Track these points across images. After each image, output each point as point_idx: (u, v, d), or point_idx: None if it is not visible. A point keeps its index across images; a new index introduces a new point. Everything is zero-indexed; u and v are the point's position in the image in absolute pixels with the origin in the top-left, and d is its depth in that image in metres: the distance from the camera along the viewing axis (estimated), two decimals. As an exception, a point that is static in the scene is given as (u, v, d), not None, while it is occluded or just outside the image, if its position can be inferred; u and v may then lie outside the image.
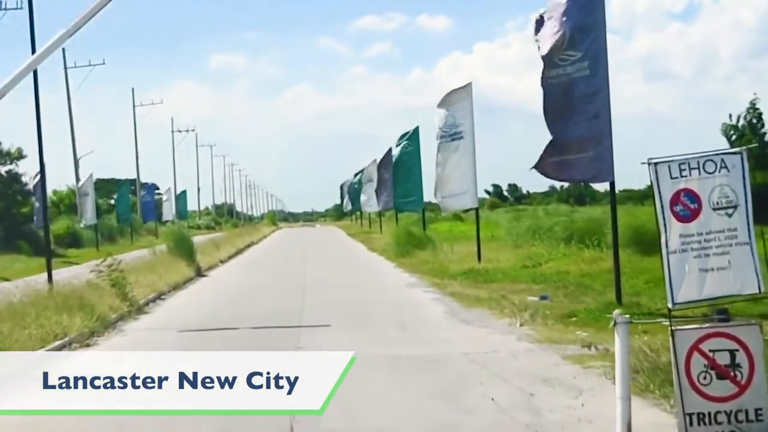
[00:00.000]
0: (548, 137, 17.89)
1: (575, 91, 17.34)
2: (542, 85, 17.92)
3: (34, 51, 22.11)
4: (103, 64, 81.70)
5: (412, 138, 43.38)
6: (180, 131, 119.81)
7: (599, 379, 11.48)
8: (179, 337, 17.11)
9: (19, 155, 56.24)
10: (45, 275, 31.59)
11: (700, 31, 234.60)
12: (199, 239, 49.79)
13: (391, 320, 18.19)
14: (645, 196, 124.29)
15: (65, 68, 75.69)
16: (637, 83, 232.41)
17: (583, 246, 30.37)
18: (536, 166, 17.97)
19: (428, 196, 44.77)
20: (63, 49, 75.43)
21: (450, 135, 30.21)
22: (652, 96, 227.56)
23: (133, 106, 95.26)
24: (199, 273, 33.29)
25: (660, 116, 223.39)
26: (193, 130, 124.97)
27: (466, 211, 74.46)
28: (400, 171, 44.74)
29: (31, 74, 22.09)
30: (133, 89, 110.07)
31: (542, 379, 11.57)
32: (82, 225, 62.00)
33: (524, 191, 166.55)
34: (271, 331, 17.22)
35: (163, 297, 25.02)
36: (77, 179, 70.70)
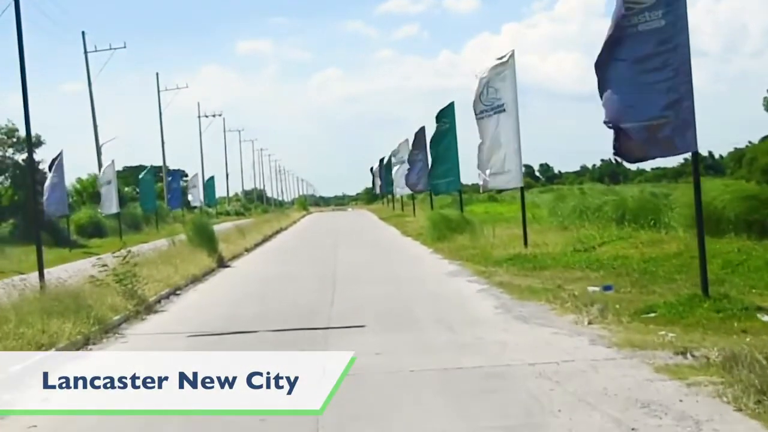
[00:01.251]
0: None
1: (648, 46, 14.56)
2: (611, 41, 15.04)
3: (20, 30, 19.70)
4: (124, 47, 79.57)
5: (447, 115, 40.61)
6: (207, 116, 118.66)
7: (714, 403, 8.84)
8: (188, 344, 14.63)
9: (38, 142, 54.07)
10: (60, 267, 29.49)
11: (728, 8, 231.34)
12: (224, 226, 47.76)
13: (434, 318, 15.64)
14: (679, 174, 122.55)
15: (85, 52, 73.49)
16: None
17: (638, 227, 27.78)
18: (617, 152, 15.05)
19: (463, 177, 42.39)
20: (83, 33, 73.70)
21: (491, 108, 27.56)
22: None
23: (158, 91, 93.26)
24: (222, 263, 30.84)
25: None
26: (220, 115, 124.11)
27: (500, 191, 71.72)
28: (435, 150, 42.06)
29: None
30: (157, 73, 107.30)
31: (640, 404, 8.94)
32: (104, 213, 59.88)
33: (556, 171, 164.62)
34: (294, 335, 14.70)
35: (178, 292, 22.59)
36: (99, 166, 68.63)
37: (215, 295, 22.36)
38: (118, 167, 62.63)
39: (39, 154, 54.22)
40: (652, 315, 14.05)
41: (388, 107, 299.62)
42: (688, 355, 10.93)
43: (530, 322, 14.72)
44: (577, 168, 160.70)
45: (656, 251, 22.08)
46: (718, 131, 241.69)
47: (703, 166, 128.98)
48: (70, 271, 23.19)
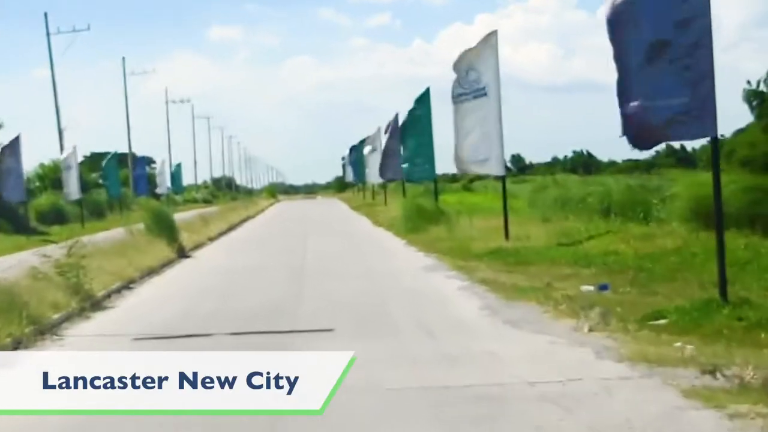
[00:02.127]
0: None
1: (664, 17, 12.74)
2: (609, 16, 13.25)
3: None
4: (88, 29, 76.55)
5: (422, 101, 38.76)
6: (175, 102, 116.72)
7: (770, 444, 7.15)
8: (132, 347, 12.80)
9: (-3, 125, 52.22)
10: (16, 256, 27.62)
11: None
12: (189, 214, 46.06)
13: (413, 321, 13.88)
14: (651, 166, 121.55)
15: (48, 34, 70.88)
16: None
17: (626, 220, 26.12)
18: (626, 133, 13.26)
19: (436, 166, 40.58)
20: (45, 15, 71.34)
21: (471, 92, 25.76)
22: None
23: (124, 75, 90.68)
24: (182, 254, 28.98)
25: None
26: (188, 101, 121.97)
27: (472, 180, 69.92)
28: (409, 138, 40.16)
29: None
30: (123, 57, 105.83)
31: (678, 444, 7.23)
32: (66, 200, 57.99)
33: (527, 162, 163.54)
34: (254, 340, 12.91)
35: (131, 286, 20.74)
36: (62, 151, 66.55)
37: (171, 289, 20.59)
38: (86, 153, 60.73)
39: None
40: (663, 322, 12.25)
41: (361, 95, 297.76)
42: (718, 375, 9.18)
43: (522, 327, 12.93)
44: (548, 159, 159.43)
45: (651, 247, 20.39)
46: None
47: (675, 159, 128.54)
48: (11, 262, 21.30)
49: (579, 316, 13.03)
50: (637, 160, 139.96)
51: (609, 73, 13.99)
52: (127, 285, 20.63)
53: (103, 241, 28.03)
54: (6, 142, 50.01)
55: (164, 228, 29.45)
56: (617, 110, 13.21)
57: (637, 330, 11.89)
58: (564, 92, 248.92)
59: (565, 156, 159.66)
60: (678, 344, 10.78)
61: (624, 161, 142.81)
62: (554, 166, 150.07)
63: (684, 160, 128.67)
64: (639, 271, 17.67)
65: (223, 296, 18.15)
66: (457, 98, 26.02)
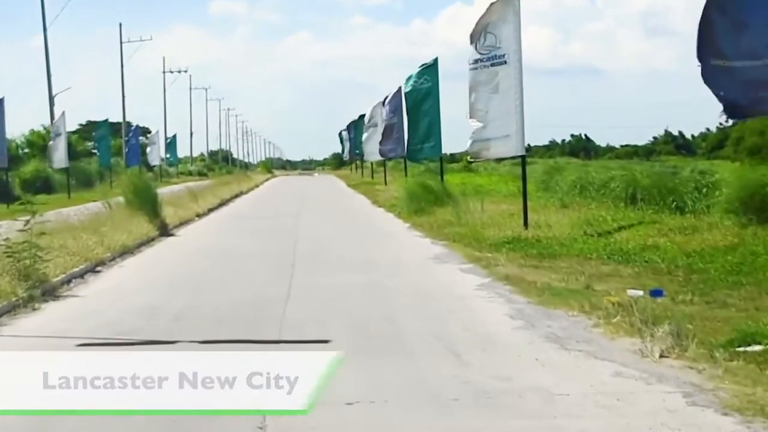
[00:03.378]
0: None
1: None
2: None
3: None
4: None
5: (429, 72, 35.79)
6: (172, 72, 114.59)
7: None
8: (77, 350, 10.00)
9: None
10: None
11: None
12: (179, 187, 43.70)
13: (428, 333, 11.07)
14: (650, 152, 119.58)
15: (42, -5, 68.25)
16: (637, 39, 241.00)
17: (657, 209, 23.42)
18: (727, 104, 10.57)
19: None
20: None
21: (488, 58, 22.80)
22: (652, 51, 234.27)
23: (120, 41, 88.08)
24: (165, 231, 26.30)
25: (660, 71, 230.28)
26: (185, 71, 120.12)
27: (471, 163, 66.94)
28: (414, 112, 37.20)
29: None
30: (120, 24, 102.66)
31: None
32: (53, 167, 55.46)
33: (525, 144, 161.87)
34: (227, 353, 10.18)
35: (98, 269, 18.10)
36: (52, 118, 63.97)
37: (143, 274, 17.95)
38: (82, 121, 58.15)
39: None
40: (758, 348, 9.27)
41: (360, 73, 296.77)
42: None
43: (570, 347, 10.06)
44: (546, 142, 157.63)
45: (696, 242, 17.62)
46: (687, 111, 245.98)
47: (674, 146, 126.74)
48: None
49: (642, 334, 10.22)
50: (636, 146, 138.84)
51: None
52: (93, 268, 17.99)
53: (77, 213, 25.52)
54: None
55: (146, 202, 26.73)
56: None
57: (727, 360, 9.00)
58: (564, 76, 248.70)
59: (563, 140, 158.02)
60: (793, 386, 8.04)
61: (622, 146, 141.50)
62: (552, 149, 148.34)
63: (683, 147, 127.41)
64: (690, 272, 15.01)
65: (198, 288, 15.55)
66: (472, 65, 23.13)
